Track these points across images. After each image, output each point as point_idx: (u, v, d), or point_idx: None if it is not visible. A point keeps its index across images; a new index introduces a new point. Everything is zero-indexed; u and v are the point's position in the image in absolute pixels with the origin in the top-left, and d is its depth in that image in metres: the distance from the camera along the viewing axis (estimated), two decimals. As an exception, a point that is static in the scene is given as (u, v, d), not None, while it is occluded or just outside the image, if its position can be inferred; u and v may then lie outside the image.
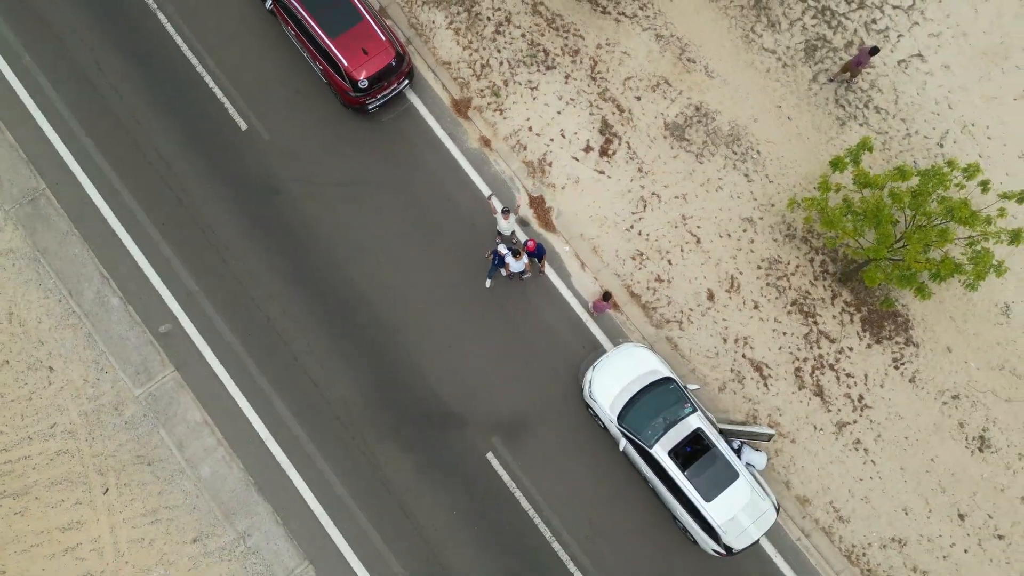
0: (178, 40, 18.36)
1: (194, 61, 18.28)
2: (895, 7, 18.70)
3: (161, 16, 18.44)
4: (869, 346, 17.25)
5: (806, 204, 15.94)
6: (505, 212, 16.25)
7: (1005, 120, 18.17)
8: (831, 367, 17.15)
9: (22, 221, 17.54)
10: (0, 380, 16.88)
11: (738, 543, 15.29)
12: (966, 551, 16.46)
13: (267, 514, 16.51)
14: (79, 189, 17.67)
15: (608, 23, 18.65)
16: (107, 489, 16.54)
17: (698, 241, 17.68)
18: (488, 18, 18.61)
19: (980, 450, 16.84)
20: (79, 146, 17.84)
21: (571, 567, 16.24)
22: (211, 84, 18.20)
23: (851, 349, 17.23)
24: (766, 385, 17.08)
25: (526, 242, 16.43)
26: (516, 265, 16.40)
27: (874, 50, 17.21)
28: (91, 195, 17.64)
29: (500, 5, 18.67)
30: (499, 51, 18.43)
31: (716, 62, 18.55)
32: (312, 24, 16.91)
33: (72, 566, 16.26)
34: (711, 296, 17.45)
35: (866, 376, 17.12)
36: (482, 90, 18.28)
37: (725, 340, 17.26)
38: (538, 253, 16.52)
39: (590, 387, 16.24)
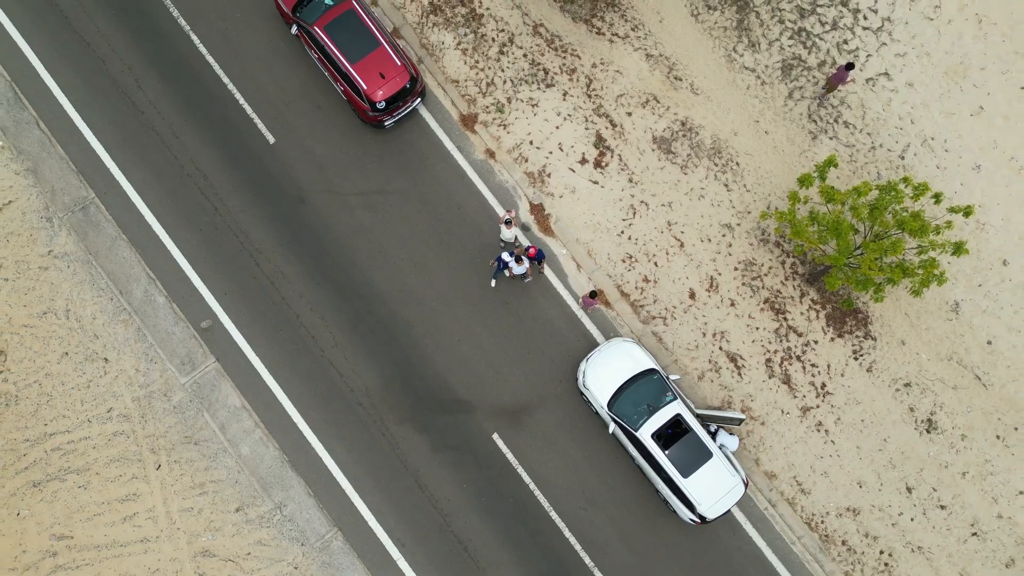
0: (210, 59, 20.12)
1: (225, 79, 20.06)
2: (865, 28, 20.42)
3: (194, 37, 20.17)
4: (832, 339, 19.38)
5: (776, 216, 17.93)
6: (508, 222, 18.23)
7: (962, 134, 20.03)
8: (798, 358, 19.31)
9: (75, 227, 19.53)
10: (61, 370, 19.05)
11: (711, 513, 17.60)
12: (912, 520, 18.80)
13: (300, 487, 18.82)
14: (125, 198, 19.62)
15: (602, 43, 20.39)
16: (159, 465, 18.82)
17: (682, 245, 19.69)
18: (493, 39, 20.36)
19: (928, 431, 19.08)
20: (123, 158, 19.74)
21: (567, 533, 18.61)
22: (241, 101, 20.01)
23: (816, 342, 19.36)
24: (740, 374, 19.25)
25: (527, 248, 18.47)
26: (518, 269, 18.45)
27: (849, 65, 19.01)
28: (136, 203, 19.60)
29: (504, 27, 20.40)
30: (503, 70, 20.22)
31: (701, 80, 20.35)
32: (334, 50, 18.68)
33: (131, 532, 18.63)
34: (692, 295, 19.52)
35: (829, 366, 19.28)
36: (487, 106, 20.11)
37: (704, 334, 19.39)
38: (538, 258, 18.56)
39: (584, 377, 18.41)
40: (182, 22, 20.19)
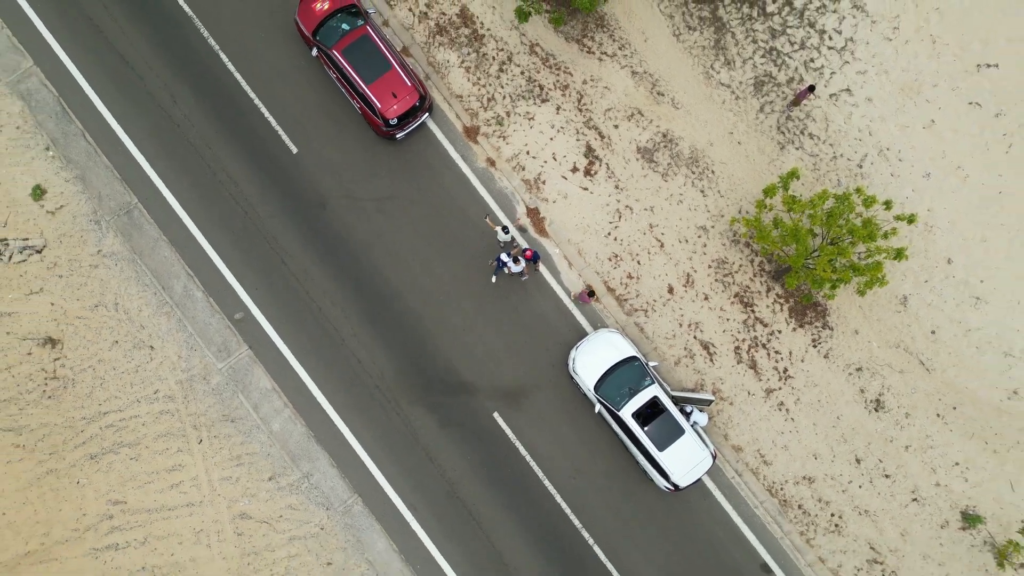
0: (238, 77, 22.25)
1: (252, 95, 22.22)
2: (830, 48, 22.55)
3: (223, 56, 22.28)
4: (794, 329, 21.88)
5: (744, 222, 20.29)
6: (505, 229, 20.58)
7: (915, 145, 22.27)
8: (763, 346, 21.82)
9: (120, 230, 21.87)
10: (112, 356, 21.55)
11: (684, 481, 20.25)
12: (860, 487, 21.49)
13: (324, 459, 21.45)
14: (165, 203, 21.93)
15: (592, 62, 22.53)
16: (201, 440, 21.43)
17: (662, 245, 22.08)
18: (493, 58, 22.49)
19: (876, 410, 21.68)
20: (163, 167, 22.00)
21: (558, 499, 21.30)
22: (267, 114, 22.20)
23: (780, 332, 21.86)
24: (712, 360, 21.79)
25: (524, 250, 20.87)
26: (516, 268, 20.85)
27: (811, 88, 21.26)
28: (175, 208, 21.92)
29: (503, 46, 22.52)
30: (502, 86, 22.39)
31: (681, 95, 22.53)
32: (351, 72, 20.83)
33: (177, 497, 21.30)
34: (671, 290, 21.97)
35: (790, 353, 21.81)
36: (488, 119, 22.33)
37: (681, 325, 21.88)
38: (534, 259, 20.96)
39: (573, 363, 20.94)
40: (212, 42, 22.28)
